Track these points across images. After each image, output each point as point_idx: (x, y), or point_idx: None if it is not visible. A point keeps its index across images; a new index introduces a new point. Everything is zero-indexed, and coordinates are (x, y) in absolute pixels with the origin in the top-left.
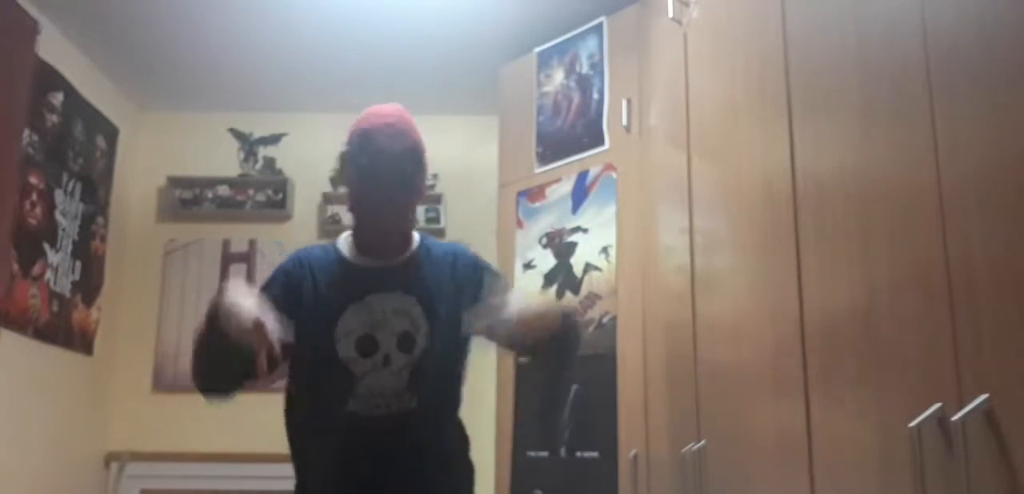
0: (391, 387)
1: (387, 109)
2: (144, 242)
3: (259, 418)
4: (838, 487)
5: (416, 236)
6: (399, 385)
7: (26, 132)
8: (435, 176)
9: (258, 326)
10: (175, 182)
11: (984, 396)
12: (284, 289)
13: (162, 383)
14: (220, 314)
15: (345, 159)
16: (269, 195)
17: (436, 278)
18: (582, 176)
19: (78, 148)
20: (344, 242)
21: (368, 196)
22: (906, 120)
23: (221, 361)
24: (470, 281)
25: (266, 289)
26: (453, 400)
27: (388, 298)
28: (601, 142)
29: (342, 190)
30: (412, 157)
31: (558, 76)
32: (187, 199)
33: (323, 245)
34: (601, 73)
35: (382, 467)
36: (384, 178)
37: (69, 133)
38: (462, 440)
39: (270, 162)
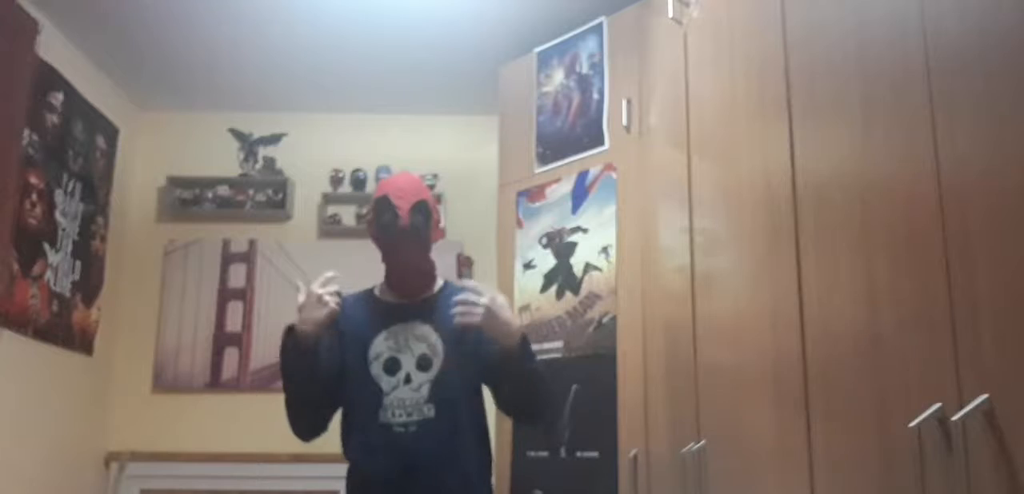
0: (412, 399)
1: (399, 178)
2: (144, 242)
3: (259, 418)
4: (838, 487)
5: (440, 280)
6: (420, 398)
7: (26, 132)
8: (435, 176)
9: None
10: (175, 182)
11: (984, 396)
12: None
13: (162, 383)
14: (295, 331)
15: (370, 224)
16: (269, 195)
17: (450, 309)
18: (582, 176)
19: (78, 148)
20: (378, 287)
21: (394, 251)
22: (906, 120)
23: (304, 386)
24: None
25: None
26: (470, 411)
27: (409, 327)
28: (601, 142)
29: (342, 191)
30: (421, 209)
31: (558, 76)
32: (187, 199)
33: (362, 291)
34: (601, 73)
35: (409, 464)
36: (399, 233)
37: (69, 133)
38: (484, 455)
39: (270, 162)
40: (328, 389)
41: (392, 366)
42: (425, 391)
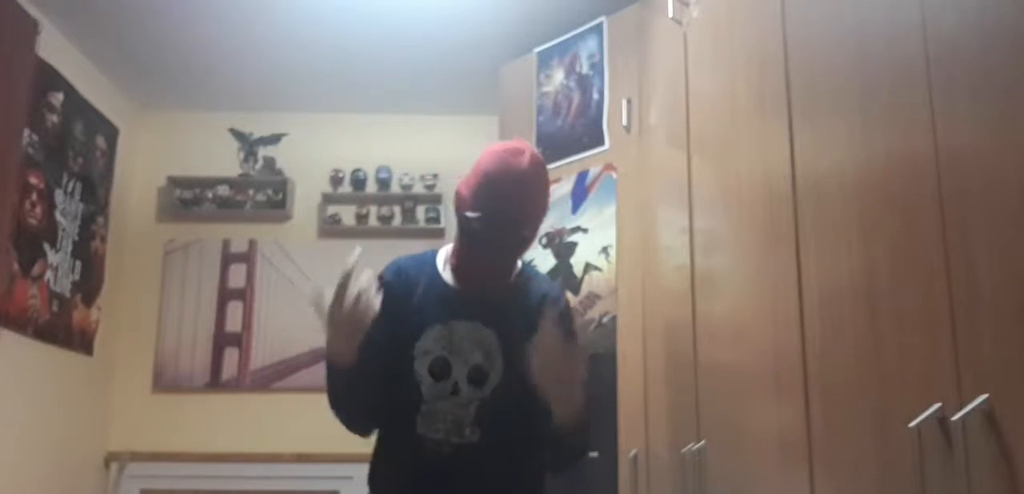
0: (455, 417)
1: (518, 157)
2: (144, 242)
3: (259, 418)
4: (838, 487)
5: (519, 263)
6: (465, 417)
7: (26, 132)
8: (435, 176)
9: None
10: (175, 182)
11: (984, 396)
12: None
13: (162, 383)
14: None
15: (461, 196)
16: (269, 195)
17: (523, 315)
18: (582, 176)
19: (78, 148)
20: (442, 258)
21: (474, 252)
22: (906, 120)
23: (352, 381)
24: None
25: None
26: (525, 442)
27: (467, 326)
28: (601, 142)
29: (342, 191)
30: (531, 221)
31: (558, 76)
32: (187, 199)
33: (420, 256)
34: (601, 73)
35: (441, 489)
36: (496, 242)
37: (69, 133)
38: (537, 483)
39: (270, 162)
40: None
41: (440, 369)
42: (473, 411)
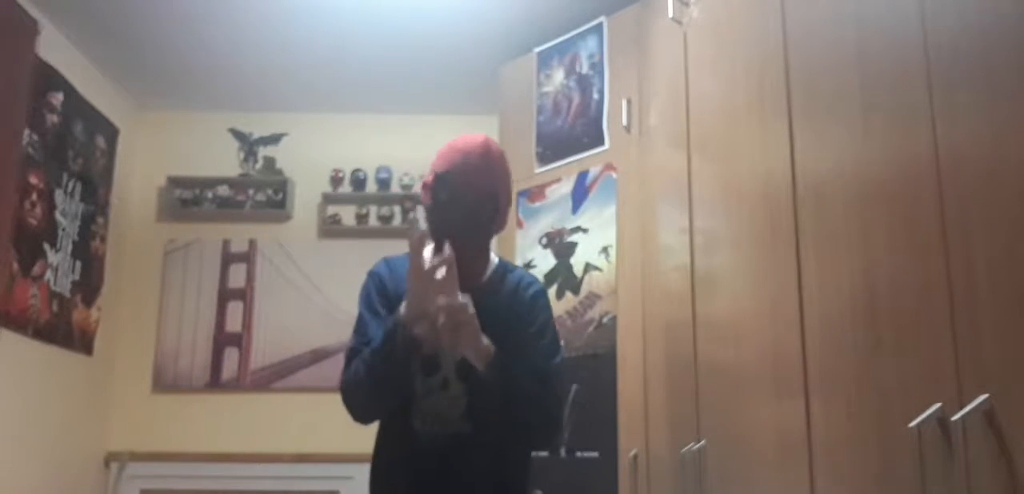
0: (448, 412)
1: (470, 145)
2: (144, 242)
3: (259, 418)
4: (838, 487)
5: (494, 261)
6: (456, 411)
7: (26, 132)
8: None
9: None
10: (175, 182)
11: (984, 396)
12: (379, 293)
13: (162, 383)
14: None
15: (421, 196)
16: (269, 195)
17: (503, 308)
18: (582, 176)
19: (78, 148)
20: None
21: (439, 238)
22: (906, 120)
23: (393, 380)
24: (519, 320)
25: (366, 306)
26: (513, 430)
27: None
28: (601, 142)
29: (342, 191)
30: (488, 203)
31: (558, 76)
32: (187, 199)
33: (406, 256)
34: (601, 73)
35: (440, 486)
36: (455, 223)
37: (69, 133)
38: (524, 473)
39: (270, 162)
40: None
41: (430, 366)
42: (463, 403)
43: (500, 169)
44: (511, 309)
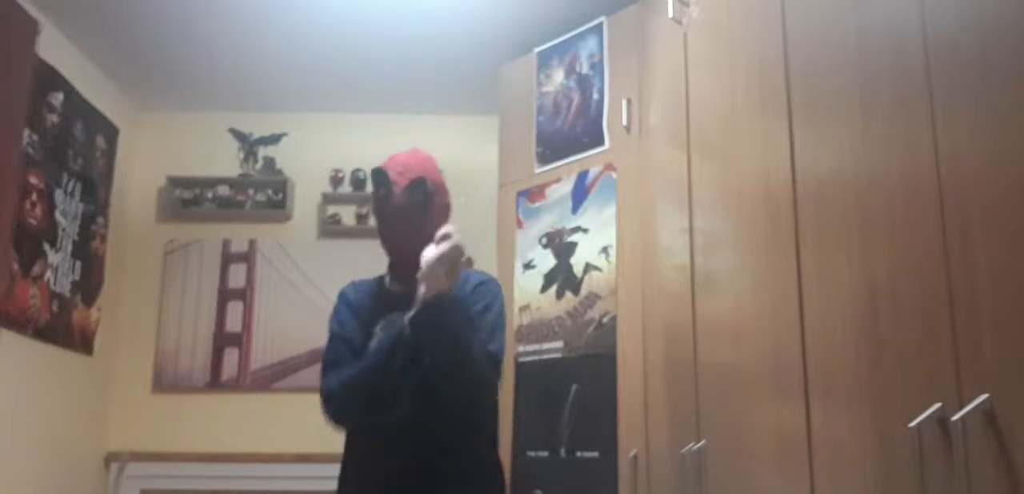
0: (408, 394)
1: (406, 153)
2: (144, 242)
3: (259, 418)
4: (838, 487)
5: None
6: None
7: (26, 132)
8: None
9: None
10: (175, 182)
11: (984, 396)
12: (350, 310)
13: (162, 383)
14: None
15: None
16: (269, 195)
17: (453, 300)
18: (582, 176)
19: (78, 148)
20: (388, 273)
21: (383, 228)
22: (906, 120)
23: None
24: (463, 302)
25: (341, 321)
26: (468, 417)
27: (406, 316)
28: (601, 142)
29: (342, 191)
30: (419, 186)
31: (558, 76)
32: (187, 199)
33: (369, 280)
34: (601, 73)
35: (406, 463)
36: (392, 210)
37: (69, 133)
38: (492, 459)
39: (270, 162)
40: None
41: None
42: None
43: (426, 159)
44: (458, 297)
